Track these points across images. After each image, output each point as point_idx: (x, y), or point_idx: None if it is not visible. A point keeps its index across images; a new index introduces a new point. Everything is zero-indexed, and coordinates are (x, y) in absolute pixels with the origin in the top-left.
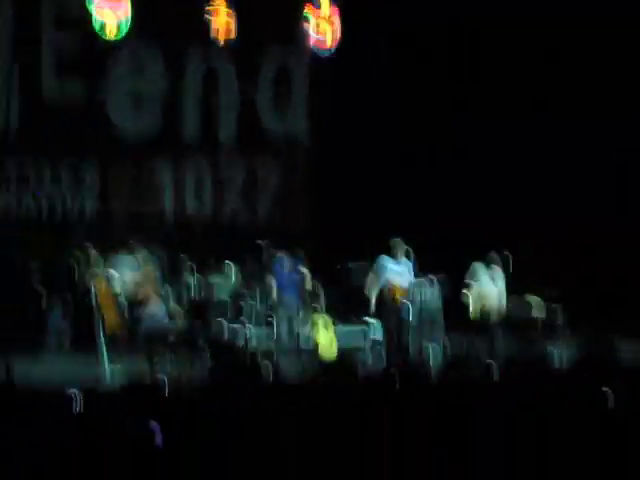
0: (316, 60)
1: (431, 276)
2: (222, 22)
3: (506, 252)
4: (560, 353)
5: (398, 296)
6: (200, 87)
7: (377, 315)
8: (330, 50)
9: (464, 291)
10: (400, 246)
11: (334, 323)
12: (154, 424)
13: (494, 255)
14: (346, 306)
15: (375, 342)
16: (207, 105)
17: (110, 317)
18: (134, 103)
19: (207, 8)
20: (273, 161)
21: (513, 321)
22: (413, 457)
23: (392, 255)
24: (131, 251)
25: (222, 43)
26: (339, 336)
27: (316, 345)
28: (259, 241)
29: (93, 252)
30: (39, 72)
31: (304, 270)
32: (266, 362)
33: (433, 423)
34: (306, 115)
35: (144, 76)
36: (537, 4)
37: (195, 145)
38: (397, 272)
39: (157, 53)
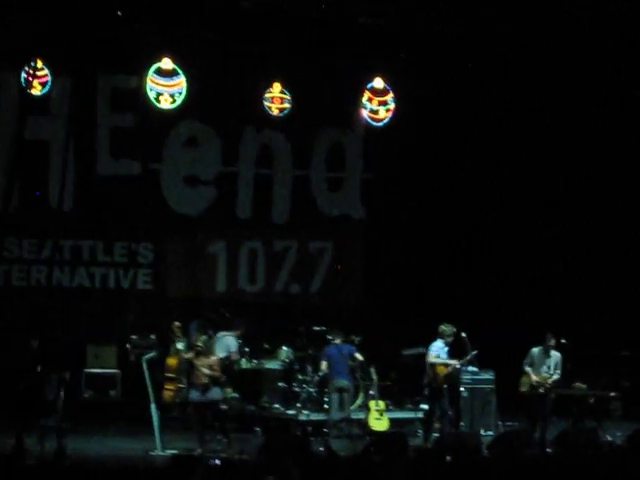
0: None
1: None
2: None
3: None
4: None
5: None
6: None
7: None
8: (383, 122)
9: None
10: (450, 331)
11: (388, 409)
12: None
13: (551, 339)
14: (400, 392)
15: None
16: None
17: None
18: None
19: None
20: (327, 241)
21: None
22: None
23: (443, 340)
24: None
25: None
26: (393, 422)
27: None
28: (316, 327)
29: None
30: (95, 152)
31: (358, 356)
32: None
33: None
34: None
35: (199, 154)
36: None
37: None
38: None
39: (211, 130)
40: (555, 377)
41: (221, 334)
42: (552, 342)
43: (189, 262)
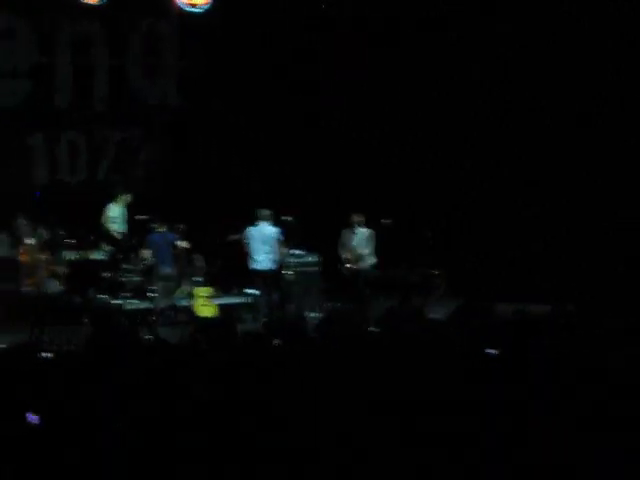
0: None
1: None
2: None
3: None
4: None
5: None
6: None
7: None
8: (202, 7)
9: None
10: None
11: (215, 295)
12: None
13: (354, 216)
14: (227, 278)
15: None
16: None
17: None
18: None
19: None
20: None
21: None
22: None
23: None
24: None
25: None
26: (220, 308)
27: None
28: (139, 216)
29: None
30: None
31: (182, 243)
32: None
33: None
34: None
35: (14, 46)
36: None
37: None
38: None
39: (26, 22)
40: (365, 251)
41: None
42: (356, 219)
43: (8, 155)
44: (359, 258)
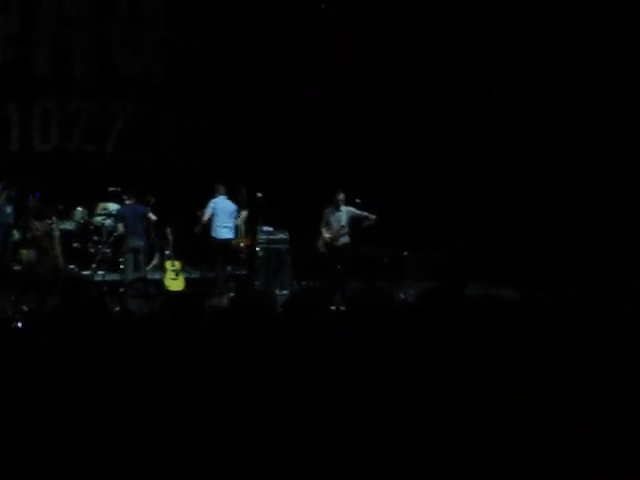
0: None
1: None
2: None
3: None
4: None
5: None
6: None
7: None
8: None
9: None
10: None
11: (184, 270)
12: None
13: (340, 193)
14: (196, 252)
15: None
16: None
17: None
18: None
19: None
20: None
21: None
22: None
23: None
24: None
25: None
26: (189, 282)
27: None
28: (112, 188)
29: None
30: None
31: (152, 216)
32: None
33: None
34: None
35: None
36: None
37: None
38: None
39: None
40: (346, 229)
41: None
42: (341, 197)
43: None
44: (341, 236)
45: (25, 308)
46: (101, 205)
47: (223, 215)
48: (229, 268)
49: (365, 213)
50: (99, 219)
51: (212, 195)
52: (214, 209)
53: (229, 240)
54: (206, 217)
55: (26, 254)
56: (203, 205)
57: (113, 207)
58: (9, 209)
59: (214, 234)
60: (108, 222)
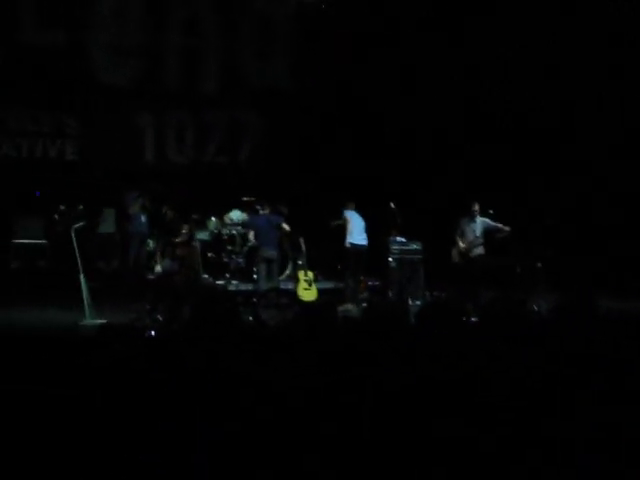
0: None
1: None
2: None
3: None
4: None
5: None
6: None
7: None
8: None
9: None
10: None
11: (317, 280)
12: None
13: (475, 204)
14: (329, 262)
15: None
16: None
17: None
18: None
19: None
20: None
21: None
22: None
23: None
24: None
25: None
26: (321, 292)
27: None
28: (245, 198)
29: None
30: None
31: (286, 226)
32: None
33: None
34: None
35: (126, 24)
36: None
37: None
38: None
39: (138, 3)
40: (481, 240)
41: None
42: (476, 208)
43: (116, 133)
44: (475, 246)
45: (160, 318)
46: (227, 215)
47: (358, 225)
48: (362, 277)
49: (500, 225)
50: (228, 229)
51: (342, 207)
52: (352, 217)
53: (364, 247)
54: (348, 224)
55: (160, 263)
56: (335, 217)
57: (237, 215)
58: (143, 218)
59: (352, 240)
60: (239, 229)
